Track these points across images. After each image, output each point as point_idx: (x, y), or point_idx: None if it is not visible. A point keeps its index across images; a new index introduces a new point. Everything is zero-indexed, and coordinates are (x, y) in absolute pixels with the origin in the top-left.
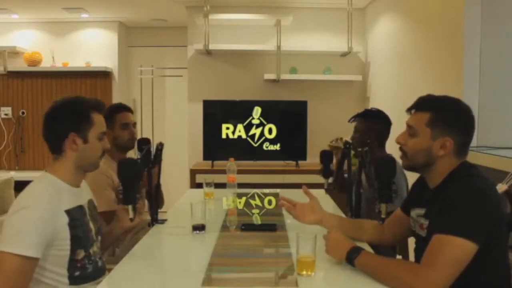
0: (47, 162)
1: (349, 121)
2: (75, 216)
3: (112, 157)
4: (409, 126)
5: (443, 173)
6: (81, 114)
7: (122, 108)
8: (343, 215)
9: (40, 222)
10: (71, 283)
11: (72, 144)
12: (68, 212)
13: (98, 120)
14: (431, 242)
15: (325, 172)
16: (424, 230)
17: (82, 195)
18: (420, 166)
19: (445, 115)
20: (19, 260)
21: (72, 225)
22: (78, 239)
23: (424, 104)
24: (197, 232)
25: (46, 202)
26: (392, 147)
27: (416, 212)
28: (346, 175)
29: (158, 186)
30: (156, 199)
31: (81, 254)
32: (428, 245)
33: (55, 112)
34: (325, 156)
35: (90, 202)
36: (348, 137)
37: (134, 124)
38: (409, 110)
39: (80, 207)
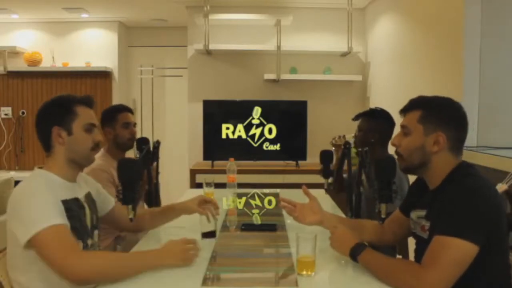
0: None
1: (353, 119)
2: (72, 207)
3: (112, 155)
4: (402, 127)
5: (441, 173)
6: (63, 107)
7: (124, 109)
8: (343, 215)
9: (49, 201)
10: None
11: (57, 137)
12: (64, 202)
13: (83, 112)
14: (431, 243)
15: (325, 172)
16: (426, 232)
17: (78, 189)
18: (417, 166)
19: (436, 110)
20: (54, 229)
21: (69, 215)
22: (75, 230)
23: (415, 104)
24: (208, 239)
25: (44, 189)
26: (394, 147)
27: (416, 213)
28: (345, 175)
29: (157, 185)
30: (156, 199)
31: (80, 245)
32: (428, 246)
33: (41, 110)
34: (325, 156)
35: (88, 196)
36: (350, 136)
37: (135, 124)
38: (401, 112)
39: (76, 199)
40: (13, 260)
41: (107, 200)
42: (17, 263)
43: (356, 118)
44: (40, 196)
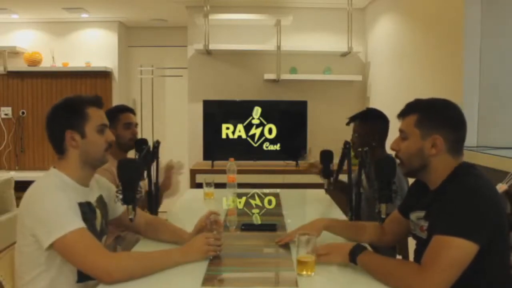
0: (47, 162)
1: (347, 124)
2: (85, 210)
3: (113, 155)
4: (400, 131)
5: (441, 174)
6: (74, 110)
7: (126, 109)
8: (343, 216)
9: (69, 203)
10: (78, 281)
11: (71, 141)
12: (80, 204)
13: (95, 113)
14: (431, 243)
15: (325, 172)
16: (425, 232)
17: (91, 193)
18: (417, 169)
19: (431, 114)
20: (80, 232)
21: (82, 218)
22: None
23: (411, 108)
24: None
25: (62, 190)
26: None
27: (416, 215)
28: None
29: (157, 185)
30: (156, 199)
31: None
32: (428, 246)
33: (51, 113)
34: (325, 156)
35: (99, 199)
36: (348, 138)
37: (136, 124)
38: (399, 116)
39: (89, 203)
40: (22, 258)
41: (119, 203)
42: (25, 261)
43: (350, 121)
44: (61, 198)
